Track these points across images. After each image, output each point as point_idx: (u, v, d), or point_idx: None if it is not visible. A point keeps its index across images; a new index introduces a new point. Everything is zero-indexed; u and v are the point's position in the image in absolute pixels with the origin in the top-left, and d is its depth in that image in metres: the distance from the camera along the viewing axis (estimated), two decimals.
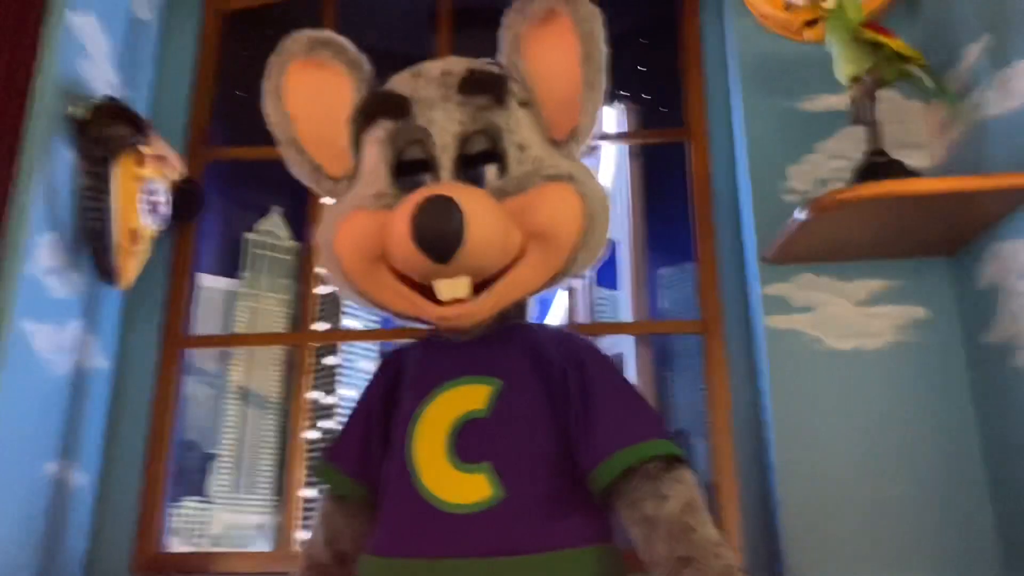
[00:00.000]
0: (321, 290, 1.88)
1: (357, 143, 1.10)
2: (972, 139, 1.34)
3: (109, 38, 1.65)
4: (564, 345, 1.02)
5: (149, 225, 1.56)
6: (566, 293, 1.82)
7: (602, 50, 1.04)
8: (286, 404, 1.76)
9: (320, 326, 2.00)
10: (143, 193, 1.53)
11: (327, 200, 1.17)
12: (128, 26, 1.74)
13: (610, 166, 2.11)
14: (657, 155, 2.07)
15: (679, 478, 0.91)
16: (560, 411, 0.98)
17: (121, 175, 1.48)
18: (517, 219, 0.97)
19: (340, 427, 1.13)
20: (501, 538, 0.89)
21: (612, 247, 2.04)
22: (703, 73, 1.78)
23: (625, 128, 2.03)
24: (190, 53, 1.91)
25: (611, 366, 1.03)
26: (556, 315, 1.89)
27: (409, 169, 1.04)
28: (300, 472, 1.68)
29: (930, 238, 1.37)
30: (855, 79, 1.31)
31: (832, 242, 1.37)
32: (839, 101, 1.47)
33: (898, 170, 1.28)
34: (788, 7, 1.41)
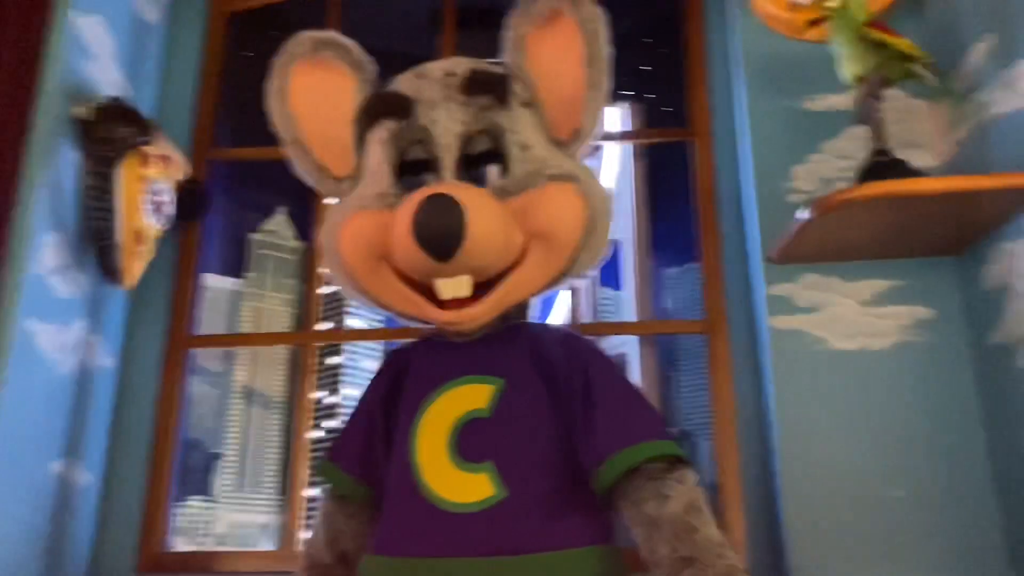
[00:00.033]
0: (325, 290, 1.88)
1: (361, 143, 1.11)
2: (978, 138, 1.34)
3: (114, 39, 1.66)
4: (566, 345, 1.02)
5: (153, 225, 1.56)
6: (569, 293, 1.81)
7: (605, 50, 1.04)
8: (290, 404, 1.76)
9: (324, 326, 2.00)
10: (147, 193, 1.53)
11: (331, 200, 1.17)
12: (133, 27, 1.74)
13: (614, 166, 2.11)
14: (661, 155, 2.06)
15: (681, 478, 0.91)
16: (562, 411, 0.98)
17: (125, 175, 1.49)
18: (519, 219, 0.97)
19: (343, 426, 1.14)
20: (503, 537, 0.89)
21: (616, 247, 2.04)
22: (707, 73, 1.77)
23: (629, 128, 2.03)
24: (195, 54, 1.92)
25: (613, 366, 1.03)
26: (559, 315, 1.89)
27: (412, 169, 1.04)
28: (304, 472, 1.69)
29: (936, 238, 1.36)
30: (860, 78, 1.31)
31: (837, 242, 1.37)
32: (844, 101, 1.47)
33: (902, 170, 1.27)
34: (792, 6, 1.41)
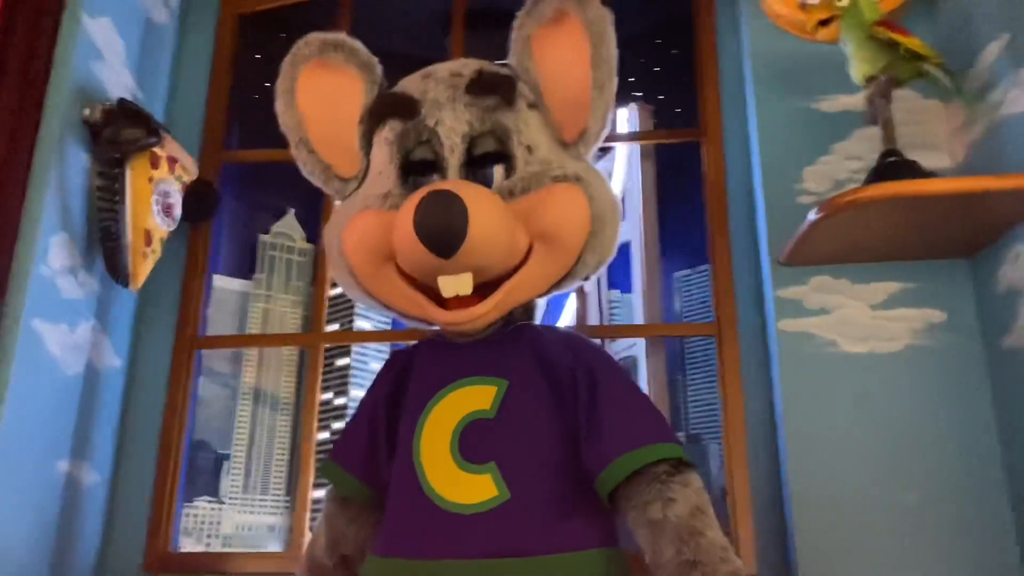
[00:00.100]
0: (333, 291, 1.88)
1: (367, 144, 1.11)
2: (991, 139, 1.32)
3: (124, 41, 1.66)
4: (571, 347, 1.02)
5: (162, 226, 1.56)
6: (577, 295, 1.81)
7: (612, 52, 1.03)
8: (299, 405, 1.76)
9: (332, 327, 2.00)
10: (156, 195, 1.54)
11: (340, 202, 1.17)
12: (144, 29, 1.75)
13: (623, 167, 2.11)
14: (671, 156, 2.06)
15: (686, 482, 0.90)
16: (566, 413, 0.97)
17: (134, 177, 1.49)
18: (524, 220, 0.96)
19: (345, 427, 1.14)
20: (506, 539, 0.89)
21: (626, 249, 2.03)
22: (718, 73, 1.76)
23: (638, 129, 2.02)
24: (205, 56, 1.92)
25: (618, 369, 1.02)
26: (567, 318, 1.88)
27: (417, 169, 1.04)
28: (312, 473, 1.69)
29: (948, 240, 1.35)
30: (870, 78, 1.30)
31: (846, 244, 1.36)
32: (855, 101, 1.46)
33: (913, 171, 1.26)
34: (803, 6, 1.40)
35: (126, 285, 1.52)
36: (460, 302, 0.95)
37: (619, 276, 2.07)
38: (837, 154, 1.48)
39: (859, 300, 1.42)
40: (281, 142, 1.16)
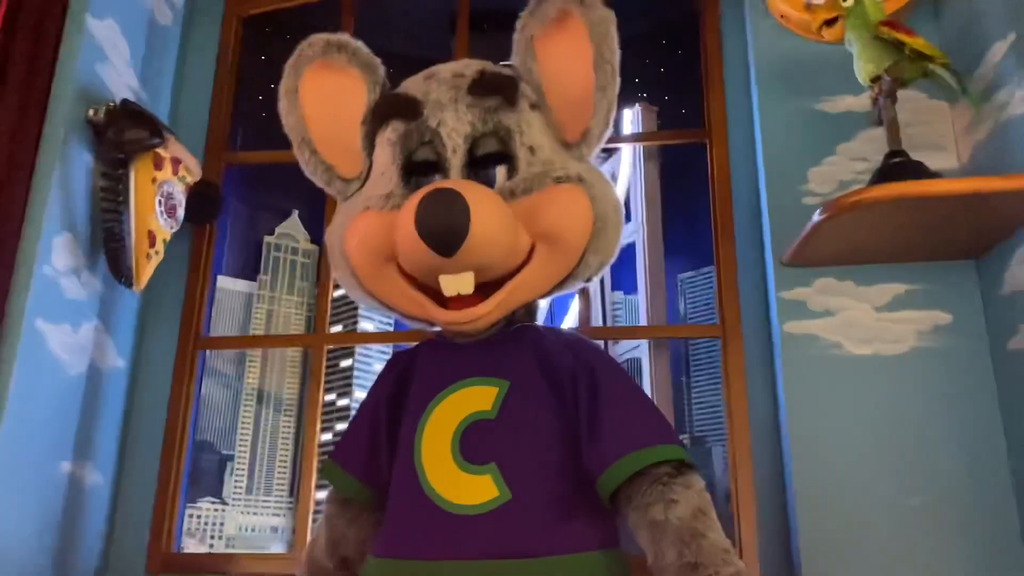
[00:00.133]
0: (337, 293, 1.88)
1: (370, 144, 1.11)
2: (998, 139, 1.32)
3: (129, 42, 1.67)
4: (572, 348, 1.02)
5: (165, 227, 1.56)
6: (581, 297, 1.80)
7: (615, 52, 1.03)
8: (303, 406, 1.76)
9: (336, 328, 2.00)
10: (160, 196, 1.54)
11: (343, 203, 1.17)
12: (148, 30, 1.75)
13: (628, 168, 2.10)
14: (677, 157, 2.05)
15: (688, 483, 0.90)
16: (567, 414, 0.97)
17: (137, 177, 1.49)
18: (525, 221, 0.96)
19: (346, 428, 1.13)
20: (507, 540, 0.89)
21: (630, 251, 2.03)
22: (723, 74, 1.76)
23: (642, 130, 2.02)
24: (210, 57, 1.93)
25: (620, 370, 1.02)
26: (571, 319, 1.88)
27: (420, 170, 1.04)
28: (315, 475, 1.69)
29: (954, 241, 1.34)
30: (875, 79, 1.29)
31: (851, 245, 1.35)
32: (860, 102, 1.46)
33: (918, 171, 1.25)
34: (808, 6, 1.39)
35: (129, 286, 1.52)
36: (461, 302, 0.95)
37: (623, 277, 2.06)
38: (842, 155, 1.48)
39: (864, 302, 1.41)
40: (285, 143, 1.16)
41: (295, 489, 1.67)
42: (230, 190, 1.93)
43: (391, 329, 1.98)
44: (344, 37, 1.15)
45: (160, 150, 1.53)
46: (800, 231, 1.36)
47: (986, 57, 1.34)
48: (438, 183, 0.94)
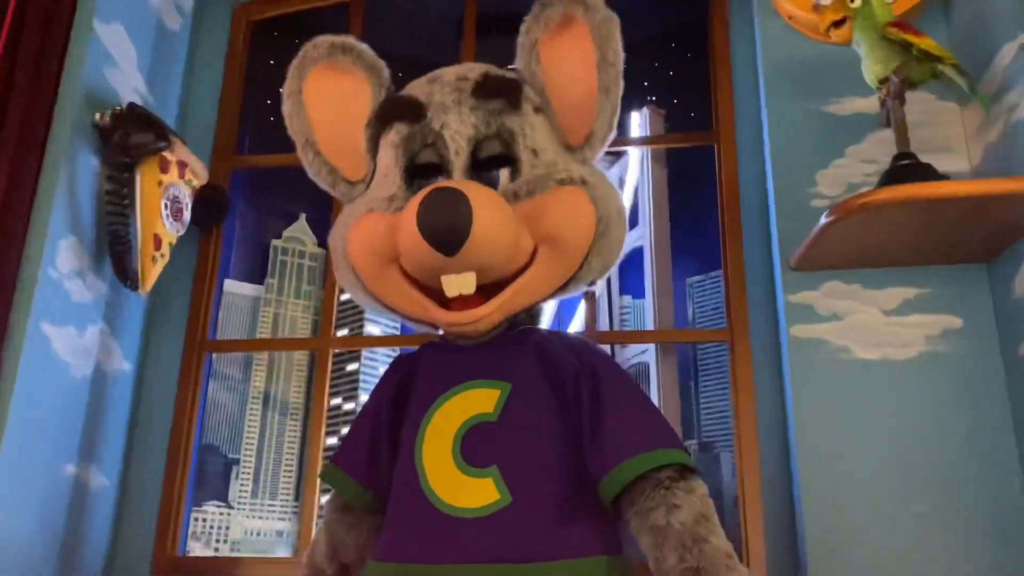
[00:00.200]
0: (344, 296, 1.88)
1: (373, 147, 1.11)
2: (1008, 141, 1.30)
3: (137, 46, 1.67)
4: (575, 352, 1.01)
5: (171, 231, 1.57)
6: (588, 301, 1.80)
7: (619, 55, 1.03)
8: (309, 410, 1.76)
9: (342, 332, 2.00)
10: (166, 199, 1.54)
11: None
12: (156, 34, 1.76)
13: (636, 171, 2.10)
14: (685, 160, 2.05)
15: (690, 488, 0.89)
16: (569, 417, 0.97)
17: (143, 181, 1.50)
18: (528, 223, 0.96)
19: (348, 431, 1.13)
20: (508, 543, 0.88)
21: (638, 254, 2.02)
22: (731, 76, 1.75)
23: (650, 133, 2.01)
24: (218, 61, 1.93)
25: (623, 374, 1.01)
26: (578, 323, 1.87)
27: (423, 173, 1.04)
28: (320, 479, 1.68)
29: (963, 244, 1.33)
30: (883, 80, 1.28)
31: (859, 248, 1.34)
32: (869, 104, 1.44)
33: (927, 173, 1.24)
34: (816, 7, 1.38)
35: (135, 289, 1.52)
36: (463, 304, 0.95)
37: (631, 281, 2.05)
38: (851, 157, 1.47)
39: (872, 306, 1.39)
40: (292, 147, 1.16)
41: (300, 493, 1.67)
42: (237, 193, 1.94)
43: (397, 333, 1.98)
44: (349, 39, 1.15)
45: (166, 153, 1.53)
46: (808, 234, 1.34)
47: (996, 59, 1.33)
48: (440, 183, 0.94)
